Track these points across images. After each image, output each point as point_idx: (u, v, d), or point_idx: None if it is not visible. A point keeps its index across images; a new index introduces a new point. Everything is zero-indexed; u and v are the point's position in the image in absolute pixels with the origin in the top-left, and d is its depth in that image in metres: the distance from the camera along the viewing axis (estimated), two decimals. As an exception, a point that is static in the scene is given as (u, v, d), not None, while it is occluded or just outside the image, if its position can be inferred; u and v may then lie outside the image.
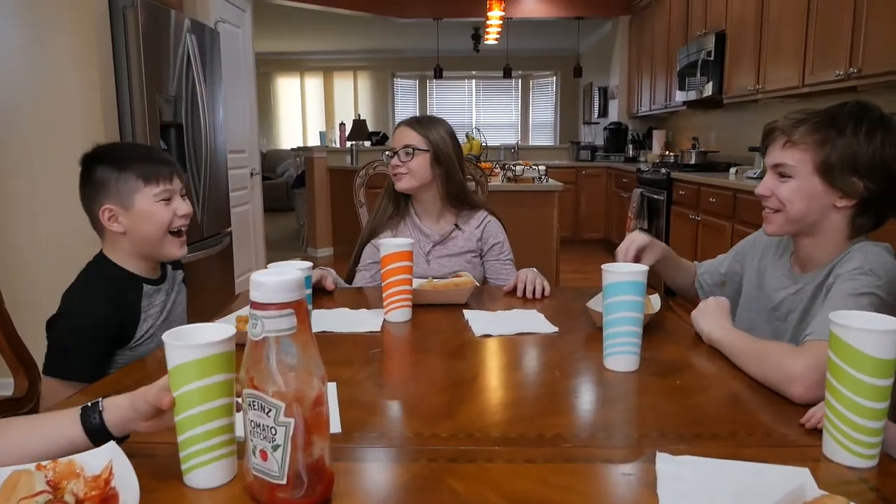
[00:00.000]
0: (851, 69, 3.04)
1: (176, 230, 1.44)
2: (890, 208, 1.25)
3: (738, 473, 0.79)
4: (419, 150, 1.89)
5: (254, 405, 0.70)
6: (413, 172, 1.90)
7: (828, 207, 1.24)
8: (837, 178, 1.21)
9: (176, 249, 1.45)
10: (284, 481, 0.71)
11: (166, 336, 0.75)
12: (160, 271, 1.52)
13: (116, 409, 0.82)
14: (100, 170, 1.39)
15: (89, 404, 0.83)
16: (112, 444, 0.77)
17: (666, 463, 0.81)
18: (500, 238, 2.00)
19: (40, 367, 1.61)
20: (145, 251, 1.44)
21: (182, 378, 0.74)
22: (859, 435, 0.80)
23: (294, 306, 0.69)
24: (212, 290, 3.51)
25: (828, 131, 1.21)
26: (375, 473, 0.83)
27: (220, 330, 0.77)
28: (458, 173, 1.96)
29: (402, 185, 1.92)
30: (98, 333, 1.35)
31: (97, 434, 0.81)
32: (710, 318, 1.29)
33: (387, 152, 1.95)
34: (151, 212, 1.39)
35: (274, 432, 0.70)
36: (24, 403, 1.52)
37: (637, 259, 1.47)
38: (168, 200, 1.41)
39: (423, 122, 1.95)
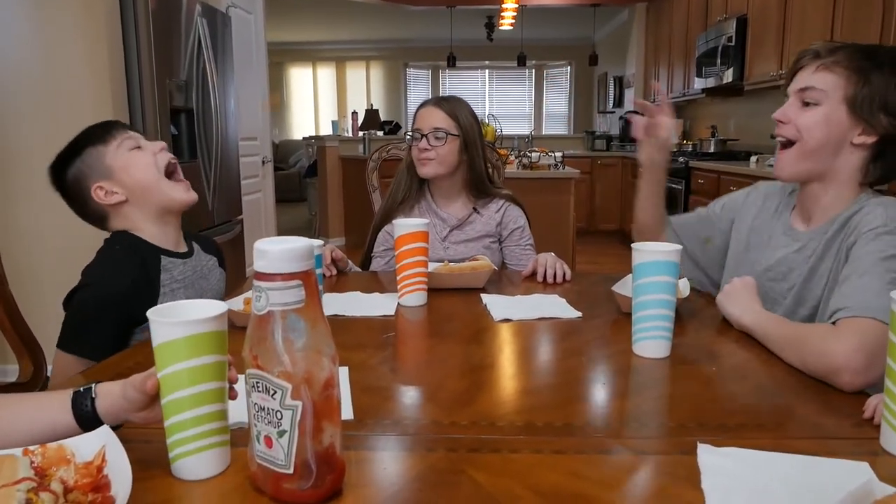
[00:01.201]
0: (882, 51, 2.93)
1: (169, 173, 1.38)
2: None
3: (789, 467, 0.72)
4: (451, 135, 1.79)
5: (258, 387, 0.64)
6: (441, 159, 1.80)
7: (844, 142, 1.18)
8: (865, 110, 1.14)
9: (182, 193, 1.38)
10: (291, 470, 0.64)
11: (151, 313, 0.68)
12: (185, 246, 1.45)
13: (108, 396, 0.76)
14: (68, 171, 1.35)
15: (81, 389, 0.77)
16: (105, 428, 0.71)
17: (709, 455, 0.74)
18: (521, 223, 1.91)
19: (45, 351, 1.56)
20: (154, 205, 1.36)
21: (168, 357, 0.68)
22: (924, 426, 0.73)
23: (302, 277, 0.62)
24: (222, 278, 3.46)
25: (865, 62, 1.15)
26: (390, 463, 0.76)
27: (210, 306, 0.71)
28: (482, 162, 1.87)
29: (428, 171, 1.81)
30: (117, 308, 1.28)
31: (88, 422, 0.75)
32: (738, 301, 1.21)
33: (411, 133, 1.84)
34: (128, 161, 1.34)
35: (280, 416, 0.63)
36: (29, 388, 1.48)
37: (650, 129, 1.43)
38: (139, 147, 1.36)
39: (451, 102, 1.84)
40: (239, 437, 0.78)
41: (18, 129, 2.81)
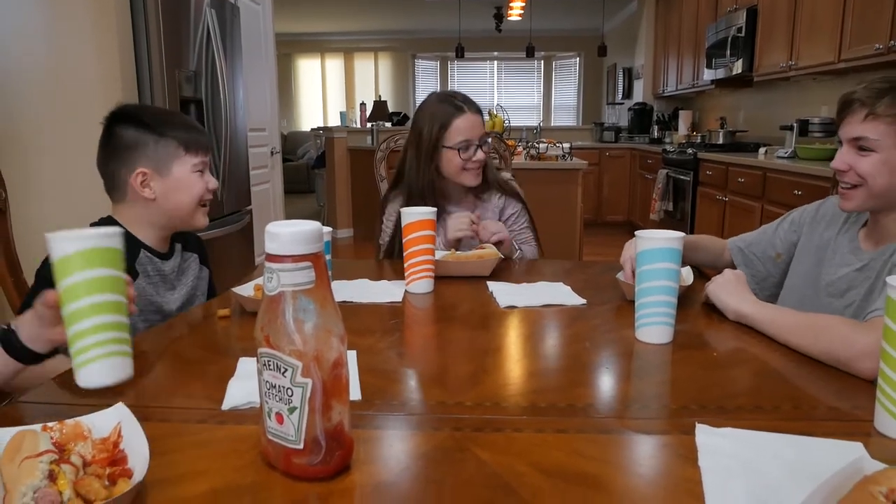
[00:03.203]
0: (893, 42, 2.92)
1: (204, 203, 1.41)
2: None
3: (785, 447, 0.73)
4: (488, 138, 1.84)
5: (269, 365, 0.66)
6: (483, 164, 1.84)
7: None
8: None
9: (202, 218, 1.42)
10: (301, 446, 0.66)
11: (49, 234, 0.74)
12: (168, 248, 1.45)
13: (25, 324, 0.83)
14: (133, 132, 1.33)
15: (5, 326, 0.84)
16: (120, 405, 0.74)
17: (706, 435, 0.76)
18: (517, 209, 1.94)
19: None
20: (170, 221, 1.39)
21: (63, 271, 0.74)
22: (918, 408, 0.74)
23: (312, 259, 0.64)
24: (232, 267, 3.50)
25: None
26: (397, 442, 0.79)
27: (103, 229, 0.77)
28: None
29: (480, 178, 1.83)
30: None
31: (23, 355, 0.83)
32: (735, 291, 1.21)
33: (460, 144, 1.76)
34: (188, 182, 1.36)
35: (290, 393, 0.65)
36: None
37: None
38: (202, 172, 1.39)
39: (477, 105, 1.84)
40: (251, 416, 0.81)
41: (29, 119, 2.84)
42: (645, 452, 0.76)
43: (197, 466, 0.71)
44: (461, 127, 1.76)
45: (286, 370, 0.65)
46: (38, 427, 0.70)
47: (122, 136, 1.33)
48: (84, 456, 0.68)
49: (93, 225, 1.38)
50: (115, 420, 0.72)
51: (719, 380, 0.96)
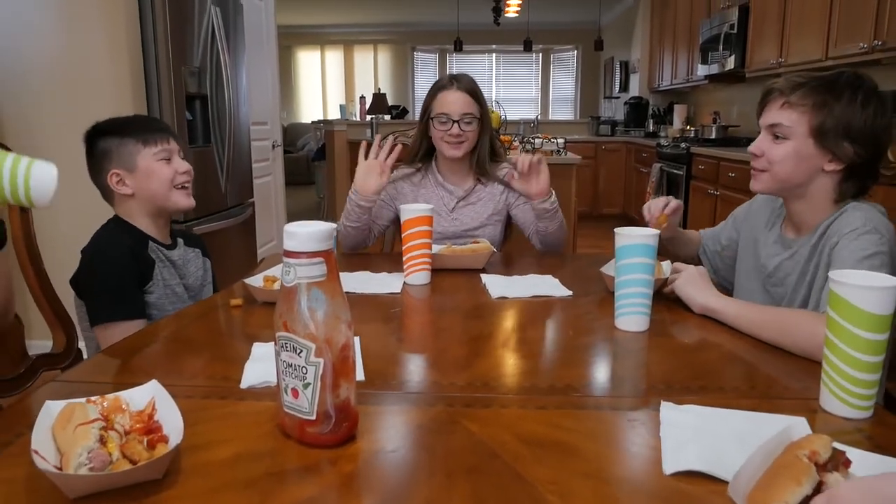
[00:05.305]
0: (876, 42, 3.01)
1: (179, 185, 1.55)
2: (871, 176, 1.30)
3: (738, 421, 0.84)
4: (476, 118, 1.90)
5: (286, 346, 0.76)
6: (470, 142, 1.92)
7: (816, 170, 1.28)
8: (831, 141, 1.25)
9: (183, 199, 1.56)
10: (314, 417, 0.77)
11: None
12: (171, 240, 1.61)
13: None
14: (102, 141, 1.51)
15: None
16: (154, 382, 0.84)
17: (669, 410, 0.86)
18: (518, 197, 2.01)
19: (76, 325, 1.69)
20: (154, 207, 1.54)
21: None
22: (855, 387, 0.85)
23: (324, 255, 0.75)
24: (235, 259, 3.59)
25: (826, 96, 1.25)
26: (396, 415, 0.89)
27: None
28: (496, 137, 1.98)
29: (458, 153, 1.91)
30: (127, 271, 1.45)
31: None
32: (700, 286, 1.29)
33: (439, 116, 1.89)
34: (153, 169, 1.51)
35: (305, 371, 0.75)
36: (63, 358, 1.61)
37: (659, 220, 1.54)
38: (168, 160, 1.53)
39: (472, 84, 1.92)
40: (267, 394, 0.91)
41: (43, 116, 2.93)
42: (615, 425, 0.86)
43: (222, 435, 0.81)
44: (443, 101, 1.91)
45: (301, 351, 0.75)
46: (83, 400, 0.80)
47: (96, 147, 1.52)
48: (123, 426, 0.78)
49: (103, 227, 1.54)
50: (150, 395, 0.82)
51: (687, 364, 1.07)
